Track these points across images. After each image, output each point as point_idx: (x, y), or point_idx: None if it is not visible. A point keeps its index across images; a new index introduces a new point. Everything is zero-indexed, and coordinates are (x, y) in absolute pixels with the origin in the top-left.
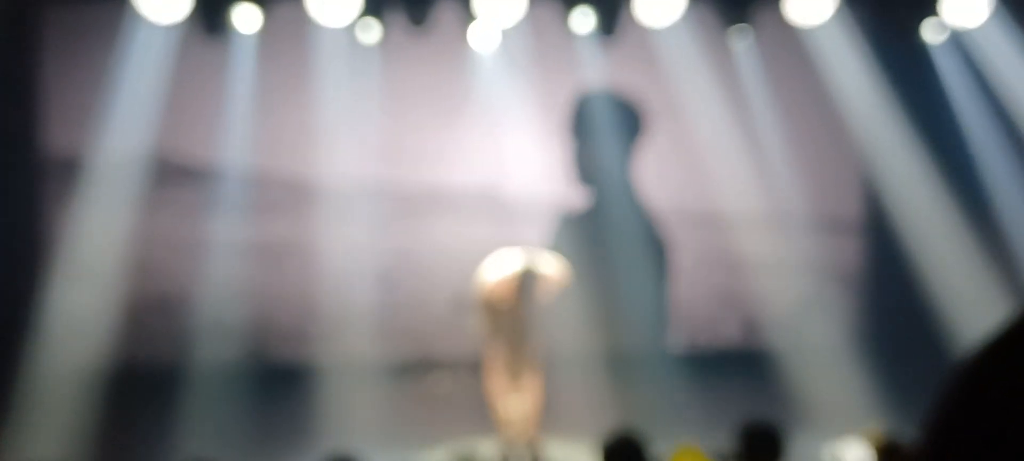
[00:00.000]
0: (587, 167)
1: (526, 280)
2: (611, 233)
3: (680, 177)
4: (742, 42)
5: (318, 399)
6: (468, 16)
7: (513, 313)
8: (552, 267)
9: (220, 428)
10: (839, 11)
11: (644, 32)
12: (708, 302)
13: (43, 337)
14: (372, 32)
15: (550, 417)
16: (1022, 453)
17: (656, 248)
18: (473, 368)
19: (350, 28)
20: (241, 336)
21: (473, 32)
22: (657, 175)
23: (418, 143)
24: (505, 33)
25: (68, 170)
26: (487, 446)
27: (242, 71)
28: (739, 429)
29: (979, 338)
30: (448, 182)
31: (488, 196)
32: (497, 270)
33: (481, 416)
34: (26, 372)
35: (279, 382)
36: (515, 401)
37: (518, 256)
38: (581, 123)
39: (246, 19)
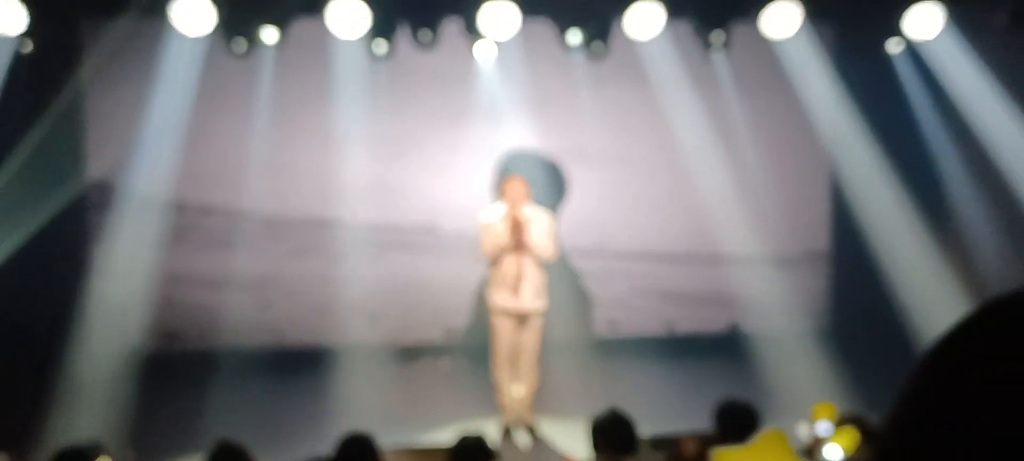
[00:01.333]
0: None
1: (520, 222)
2: None
3: (664, 176)
4: (719, 52)
5: (335, 385)
6: (473, 34)
7: (512, 253)
8: (541, 218)
9: (246, 412)
10: (807, 25)
11: (632, 44)
12: (691, 292)
13: (85, 330)
14: (382, 46)
15: (546, 400)
16: (976, 439)
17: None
18: (475, 355)
19: (364, 40)
20: (263, 329)
21: (478, 48)
22: (645, 175)
23: (422, 152)
24: (502, 47)
25: (109, 178)
26: (491, 425)
27: (264, 79)
28: (717, 407)
29: (938, 332)
30: (452, 186)
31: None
32: (493, 218)
33: (485, 400)
34: (70, 362)
35: (298, 369)
36: (515, 388)
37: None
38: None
39: (268, 32)
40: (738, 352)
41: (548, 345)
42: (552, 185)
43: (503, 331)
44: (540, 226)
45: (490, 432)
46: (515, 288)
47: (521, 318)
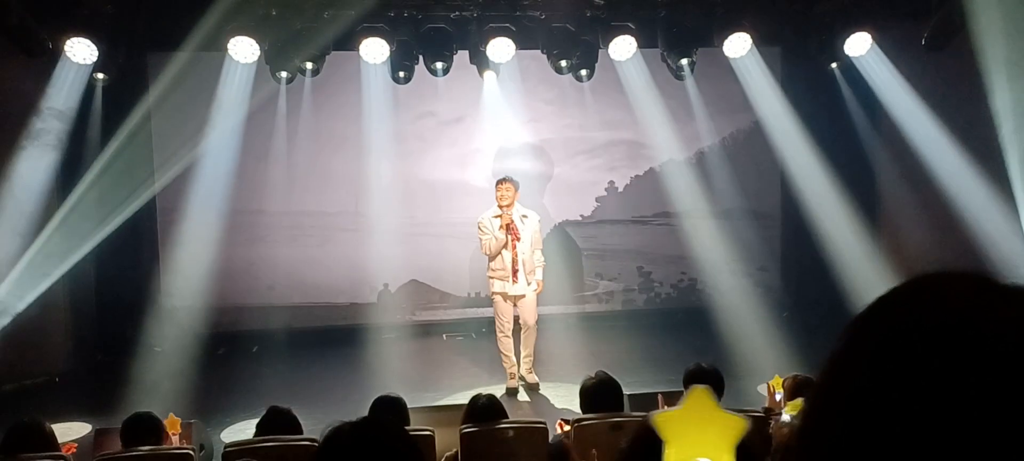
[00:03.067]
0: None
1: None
2: None
3: (641, 173)
4: (687, 70)
5: (367, 357)
6: (479, 62)
7: (506, 247)
8: (530, 215)
9: (293, 381)
10: (760, 46)
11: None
12: (664, 274)
13: (157, 314)
14: (402, 74)
15: (545, 365)
16: (892, 383)
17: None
18: (482, 329)
19: (387, 68)
20: (306, 308)
21: (483, 74)
22: (627, 173)
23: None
24: (503, 72)
25: (175, 184)
26: (498, 388)
27: (304, 101)
28: (686, 372)
29: (865, 301)
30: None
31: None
32: (488, 219)
33: (493, 367)
34: (144, 343)
35: (336, 343)
36: (514, 353)
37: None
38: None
39: (307, 64)
40: (708, 323)
41: (547, 320)
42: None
43: (504, 309)
44: (530, 222)
45: (498, 393)
46: (511, 276)
47: (516, 299)
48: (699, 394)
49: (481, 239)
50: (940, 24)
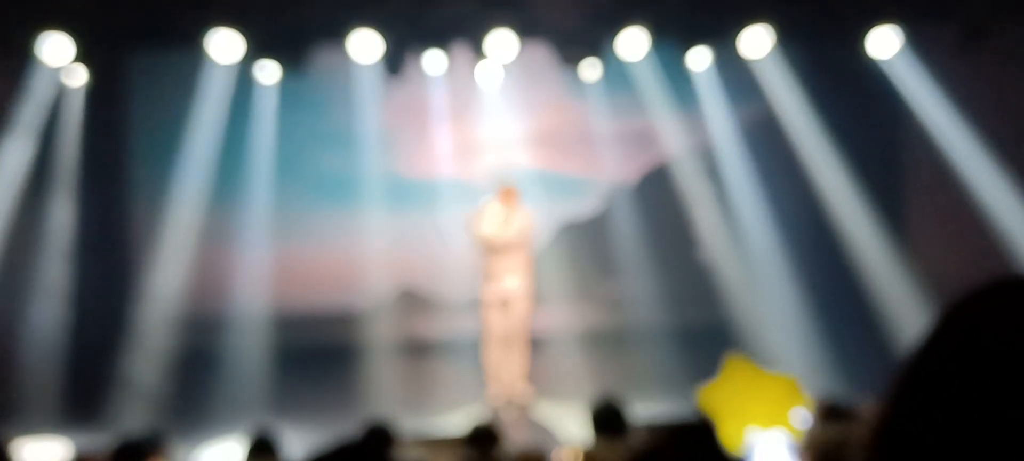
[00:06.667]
0: None
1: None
2: None
3: (652, 171)
4: (702, 68)
5: (354, 374)
6: (478, 55)
7: (505, 250)
8: (526, 215)
9: (276, 401)
10: (779, 46)
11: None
12: (677, 283)
13: (135, 326)
14: (395, 67)
15: (546, 384)
16: (955, 431)
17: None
18: (472, 347)
19: (378, 63)
20: (291, 320)
21: (481, 69)
22: (637, 172)
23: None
24: (506, 68)
25: (153, 192)
26: (486, 409)
27: (290, 98)
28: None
29: (894, 315)
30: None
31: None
32: (485, 217)
33: (481, 387)
34: (122, 356)
35: (322, 359)
36: (507, 368)
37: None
38: None
39: (293, 59)
40: (726, 337)
41: (551, 334)
42: None
43: (492, 318)
44: (523, 220)
45: (485, 415)
46: (501, 278)
47: (507, 303)
48: (736, 363)
49: (473, 235)
50: (975, 18)
